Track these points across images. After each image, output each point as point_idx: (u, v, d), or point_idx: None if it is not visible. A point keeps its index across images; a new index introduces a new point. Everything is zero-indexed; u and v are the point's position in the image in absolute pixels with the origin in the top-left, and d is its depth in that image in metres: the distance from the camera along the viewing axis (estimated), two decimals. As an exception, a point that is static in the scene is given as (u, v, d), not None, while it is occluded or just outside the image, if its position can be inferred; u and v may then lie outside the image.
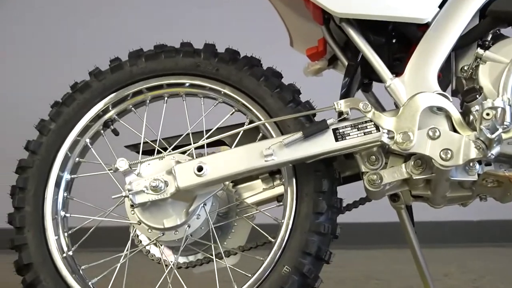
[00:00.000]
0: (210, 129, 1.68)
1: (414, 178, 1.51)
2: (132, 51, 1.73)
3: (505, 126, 1.41)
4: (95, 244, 2.03)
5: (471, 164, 1.48)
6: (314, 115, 1.63)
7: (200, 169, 1.53)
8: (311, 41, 1.80)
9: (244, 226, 1.73)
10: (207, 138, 1.65)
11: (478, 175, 1.50)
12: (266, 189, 1.71)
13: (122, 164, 1.57)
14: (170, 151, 1.63)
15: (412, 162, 1.51)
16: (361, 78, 1.71)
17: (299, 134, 1.52)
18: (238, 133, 1.63)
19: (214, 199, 1.64)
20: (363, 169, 1.54)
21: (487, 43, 1.58)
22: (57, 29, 4.11)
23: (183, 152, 1.62)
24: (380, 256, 3.52)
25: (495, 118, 1.42)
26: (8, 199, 1.68)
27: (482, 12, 1.58)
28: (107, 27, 4.03)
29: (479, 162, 1.50)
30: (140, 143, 1.69)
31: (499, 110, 1.42)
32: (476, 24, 1.58)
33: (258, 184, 1.72)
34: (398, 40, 1.64)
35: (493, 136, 1.40)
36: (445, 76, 1.59)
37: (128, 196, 1.56)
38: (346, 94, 1.62)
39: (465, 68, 1.56)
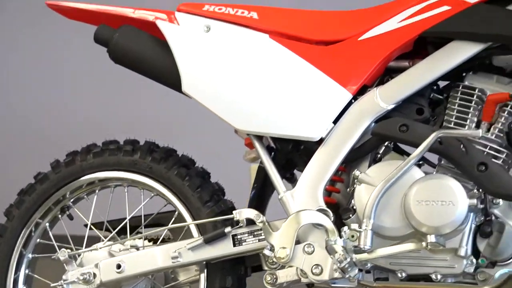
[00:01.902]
0: (151, 214, 1.93)
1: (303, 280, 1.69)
2: (83, 147, 1.99)
3: (360, 248, 1.57)
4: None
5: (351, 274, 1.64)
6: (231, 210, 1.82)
7: (118, 266, 1.78)
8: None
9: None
10: (145, 226, 1.90)
11: (358, 281, 1.66)
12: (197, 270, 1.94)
13: (62, 254, 1.85)
14: (105, 242, 1.89)
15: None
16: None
17: (200, 240, 1.73)
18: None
19: (147, 282, 1.88)
20: (264, 267, 1.74)
21: (378, 155, 1.73)
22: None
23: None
24: None
25: (358, 241, 1.58)
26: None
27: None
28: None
29: (360, 269, 1.66)
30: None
31: (362, 233, 1.58)
32: (369, 137, 1.72)
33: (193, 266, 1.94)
34: (302, 152, 1.79)
35: (346, 262, 1.56)
36: None
37: (62, 286, 1.83)
38: (251, 200, 1.82)
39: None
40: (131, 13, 1.92)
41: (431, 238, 1.55)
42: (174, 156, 1.92)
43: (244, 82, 1.77)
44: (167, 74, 1.84)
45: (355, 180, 1.67)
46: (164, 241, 1.92)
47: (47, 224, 2.00)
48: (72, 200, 2.00)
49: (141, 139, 1.97)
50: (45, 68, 4.09)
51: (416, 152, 1.60)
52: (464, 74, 1.72)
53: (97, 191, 1.99)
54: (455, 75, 1.73)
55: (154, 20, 1.87)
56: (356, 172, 1.67)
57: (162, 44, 1.86)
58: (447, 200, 1.56)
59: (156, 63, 1.85)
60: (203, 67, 1.80)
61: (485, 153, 1.63)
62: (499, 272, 1.59)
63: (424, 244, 1.57)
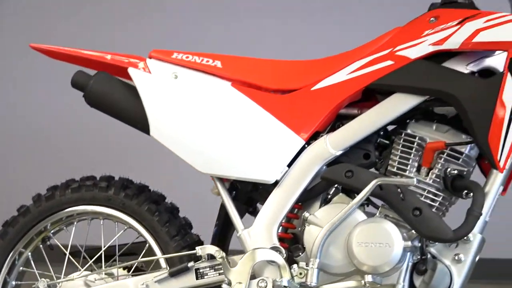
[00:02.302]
0: (125, 244, 2.09)
1: None
2: (62, 183, 2.15)
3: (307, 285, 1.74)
4: None
5: None
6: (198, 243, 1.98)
7: (92, 297, 1.96)
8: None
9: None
10: (119, 255, 2.07)
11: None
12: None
13: (41, 284, 2.02)
14: (81, 272, 2.06)
15: None
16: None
17: (166, 274, 1.90)
18: None
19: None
20: None
21: (328, 196, 1.89)
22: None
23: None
24: None
25: (306, 278, 1.74)
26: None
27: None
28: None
29: None
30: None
31: (309, 271, 1.75)
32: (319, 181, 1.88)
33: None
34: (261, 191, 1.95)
35: None
36: None
37: None
38: (214, 236, 1.99)
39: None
40: (107, 58, 2.08)
41: (368, 278, 1.72)
42: (145, 192, 2.08)
43: (207, 128, 1.93)
44: (138, 119, 2.00)
45: (305, 221, 1.83)
46: (137, 269, 2.08)
47: (29, 253, 2.16)
48: (52, 232, 2.17)
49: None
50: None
51: (358, 198, 1.77)
52: (408, 121, 1.88)
53: (75, 223, 2.15)
54: (401, 120, 1.89)
55: (127, 67, 2.03)
56: (306, 214, 1.83)
57: (134, 90, 2.02)
58: (384, 242, 1.73)
59: (127, 109, 2.02)
60: (169, 113, 1.96)
61: (423, 196, 1.79)
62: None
63: (363, 282, 1.73)
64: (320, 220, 1.81)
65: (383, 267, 1.73)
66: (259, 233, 1.87)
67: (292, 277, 1.80)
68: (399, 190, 1.75)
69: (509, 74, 1.71)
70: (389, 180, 1.76)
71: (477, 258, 1.82)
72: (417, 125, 1.86)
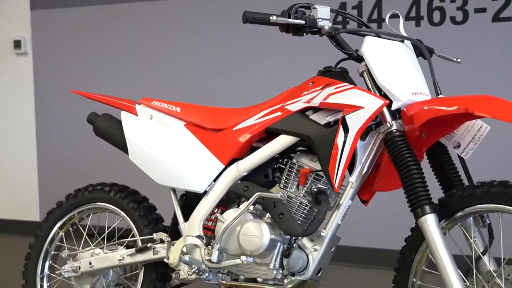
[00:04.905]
0: (121, 228, 3.08)
1: None
2: (83, 186, 3.16)
3: (211, 261, 2.66)
4: None
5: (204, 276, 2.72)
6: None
7: (90, 263, 2.96)
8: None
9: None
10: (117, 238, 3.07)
11: (221, 279, 2.73)
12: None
13: (64, 253, 3.05)
14: (91, 247, 3.06)
15: None
16: None
17: (134, 250, 2.87)
18: None
19: (114, 274, 3.04)
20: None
21: (241, 202, 2.77)
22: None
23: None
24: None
25: (211, 256, 2.67)
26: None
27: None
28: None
29: (219, 272, 2.74)
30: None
31: (212, 252, 2.66)
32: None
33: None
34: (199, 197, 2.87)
35: (195, 269, 2.66)
36: None
37: (62, 273, 3.04)
38: (170, 227, 2.93)
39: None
40: (117, 102, 3.07)
41: (243, 258, 2.60)
42: (133, 195, 3.05)
43: (163, 153, 2.87)
44: (124, 147, 2.97)
45: (217, 219, 2.74)
46: (128, 246, 3.06)
47: (63, 233, 3.20)
48: (78, 219, 3.19)
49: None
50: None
51: (245, 204, 2.65)
52: (296, 151, 2.72)
53: (91, 214, 3.17)
54: (293, 151, 2.73)
55: (122, 109, 3.01)
56: (218, 214, 2.74)
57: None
58: (257, 235, 2.60)
59: (118, 140, 3.00)
60: (140, 143, 2.92)
61: (297, 205, 2.63)
62: (291, 279, 2.61)
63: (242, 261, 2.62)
64: (224, 218, 2.71)
65: (257, 252, 2.60)
66: (191, 225, 2.80)
67: (204, 256, 2.71)
68: (273, 200, 2.61)
69: (341, 126, 2.51)
70: (266, 194, 2.62)
71: (333, 249, 2.64)
72: (299, 155, 2.70)
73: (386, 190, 2.64)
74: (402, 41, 2.67)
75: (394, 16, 2.75)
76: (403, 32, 2.73)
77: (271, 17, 2.48)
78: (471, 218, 2.46)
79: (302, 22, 2.52)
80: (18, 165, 6.00)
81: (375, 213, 4.36)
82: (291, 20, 2.51)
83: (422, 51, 2.67)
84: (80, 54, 5.58)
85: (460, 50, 4.19)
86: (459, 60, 2.90)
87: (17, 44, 5.82)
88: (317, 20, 2.55)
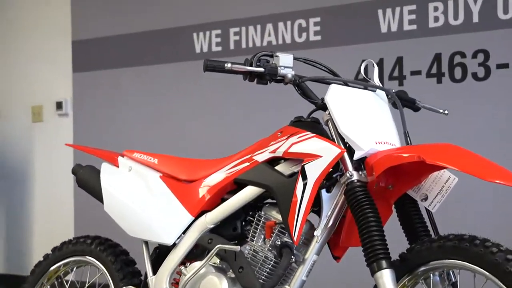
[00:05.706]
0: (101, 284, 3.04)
1: None
2: (67, 240, 3.15)
3: None
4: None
5: None
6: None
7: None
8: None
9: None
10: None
11: None
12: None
13: (42, 306, 3.03)
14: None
15: None
16: None
17: (104, 303, 2.82)
18: None
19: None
20: None
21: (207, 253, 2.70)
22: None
23: None
24: None
25: None
26: None
27: None
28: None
29: None
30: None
31: None
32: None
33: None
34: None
35: None
36: None
37: None
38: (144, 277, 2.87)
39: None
40: (101, 153, 3.08)
41: None
42: (112, 248, 3.02)
43: (136, 205, 2.84)
44: (101, 199, 2.96)
45: (181, 272, 2.67)
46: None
47: (48, 286, 3.18)
48: (63, 272, 3.18)
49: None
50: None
51: (206, 258, 2.57)
52: (266, 203, 2.63)
53: (74, 268, 3.15)
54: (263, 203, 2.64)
55: (103, 161, 3.01)
56: (182, 267, 2.66)
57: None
58: None
59: (96, 191, 2.98)
60: (116, 194, 2.89)
61: (262, 259, 2.53)
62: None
63: None
64: (187, 271, 2.63)
65: None
66: (159, 279, 2.74)
67: None
68: (234, 253, 2.52)
69: (300, 176, 2.42)
70: (226, 246, 2.53)
71: None
72: (267, 208, 2.61)
73: (354, 245, 2.51)
74: (374, 91, 2.58)
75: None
76: (376, 81, 2.64)
77: (226, 64, 2.43)
78: (437, 274, 2.31)
79: (261, 69, 2.47)
80: (56, 225, 6.07)
81: (346, 269, 4.07)
82: (249, 68, 2.46)
83: (402, 102, 2.60)
84: (116, 113, 5.66)
85: (483, 105, 4.05)
86: (446, 112, 2.79)
87: (59, 105, 5.96)
88: (279, 68, 2.49)
